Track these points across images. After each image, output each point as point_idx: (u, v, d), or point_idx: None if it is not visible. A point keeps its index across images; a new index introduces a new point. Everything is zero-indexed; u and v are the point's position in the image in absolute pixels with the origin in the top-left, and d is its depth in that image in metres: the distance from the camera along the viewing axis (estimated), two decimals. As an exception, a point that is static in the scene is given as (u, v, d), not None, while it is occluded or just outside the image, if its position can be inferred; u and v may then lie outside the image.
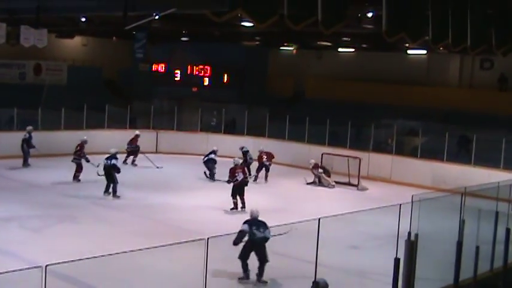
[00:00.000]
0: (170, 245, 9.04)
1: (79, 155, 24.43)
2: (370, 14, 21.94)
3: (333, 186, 26.31)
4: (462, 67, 36.88)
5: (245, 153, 27.38)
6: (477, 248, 12.06)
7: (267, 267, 13.71)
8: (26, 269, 7.58)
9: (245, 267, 13.81)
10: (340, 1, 15.25)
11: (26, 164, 26.83)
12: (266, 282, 13.74)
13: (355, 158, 27.25)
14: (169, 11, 12.96)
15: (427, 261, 12.07)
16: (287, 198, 23.82)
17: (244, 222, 13.84)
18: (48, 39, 24.44)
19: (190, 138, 33.46)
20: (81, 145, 24.65)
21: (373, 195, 25.16)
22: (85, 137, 25.13)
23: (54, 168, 26.44)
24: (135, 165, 28.72)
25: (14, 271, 7.47)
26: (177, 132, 33.96)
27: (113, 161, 22.05)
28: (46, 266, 7.30)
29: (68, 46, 41.55)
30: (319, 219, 9.28)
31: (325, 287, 10.00)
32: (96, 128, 31.85)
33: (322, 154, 27.78)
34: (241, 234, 13.52)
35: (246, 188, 21.36)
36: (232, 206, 20.99)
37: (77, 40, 42.06)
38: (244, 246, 13.67)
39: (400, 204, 11.45)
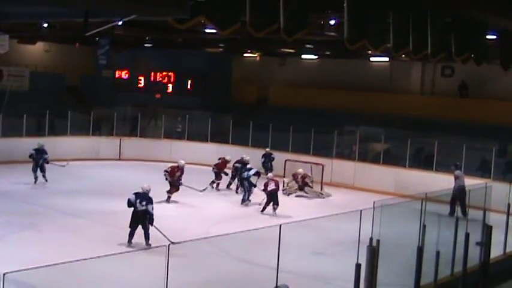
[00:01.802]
0: (131, 251, 9.00)
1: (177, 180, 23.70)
2: (332, 22, 22.09)
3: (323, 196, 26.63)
4: (424, 74, 37.25)
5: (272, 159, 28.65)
6: (437, 252, 12.19)
7: (231, 273, 13.74)
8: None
9: (130, 234, 16.39)
10: (303, 8, 15.33)
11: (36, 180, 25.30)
12: (150, 245, 15.89)
13: (318, 164, 27.40)
14: (130, 17, 12.91)
15: (389, 266, 12.16)
16: (251, 205, 23.83)
17: (134, 194, 16.92)
18: (9, 44, 24.16)
19: (154, 145, 33.38)
20: (174, 169, 23.79)
21: (336, 202, 25.30)
22: (182, 162, 24.13)
23: (15, 175, 26.18)
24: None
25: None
26: (140, 139, 33.87)
27: (248, 173, 24.08)
28: (4, 274, 7.23)
29: (30, 52, 41.11)
30: (280, 226, 9.32)
31: None
32: (59, 134, 31.65)
33: (285, 161, 27.89)
34: (128, 202, 16.83)
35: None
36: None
37: (39, 46, 41.64)
38: (131, 216, 16.63)
39: (361, 210, 11.54)
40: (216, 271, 15.32)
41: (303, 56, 40.47)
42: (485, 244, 13.16)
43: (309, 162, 27.68)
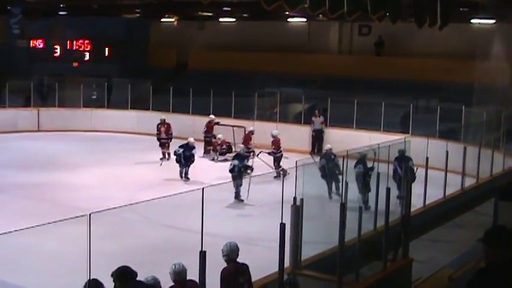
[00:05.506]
0: (51, 223, 8.83)
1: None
2: (249, -17, 21.97)
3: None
4: (341, 34, 37.45)
5: None
6: (360, 208, 12.35)
7: (156, 239, 13.69)
8: None
9: None
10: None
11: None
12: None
13: (240, 127, 27.47)
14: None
15: (313, 224, 12.28)
16: (174, 170, 23.75)
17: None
18: None
19: (73, 115, 32.82)
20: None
21: (259, 163, 25.34)
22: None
23: None
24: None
25: None
26: (59, 109, 33.22)
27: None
28: None
29: None
30: (202, 189, 9.24)
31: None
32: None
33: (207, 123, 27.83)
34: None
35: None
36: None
37: None
38: None
39: (283, 170, 11.59)
40: (141, 238, 15.27)
41: (221, 19, 40.21)
42: (406, 198, 13.39)
43: (231, 125, 27.71)
